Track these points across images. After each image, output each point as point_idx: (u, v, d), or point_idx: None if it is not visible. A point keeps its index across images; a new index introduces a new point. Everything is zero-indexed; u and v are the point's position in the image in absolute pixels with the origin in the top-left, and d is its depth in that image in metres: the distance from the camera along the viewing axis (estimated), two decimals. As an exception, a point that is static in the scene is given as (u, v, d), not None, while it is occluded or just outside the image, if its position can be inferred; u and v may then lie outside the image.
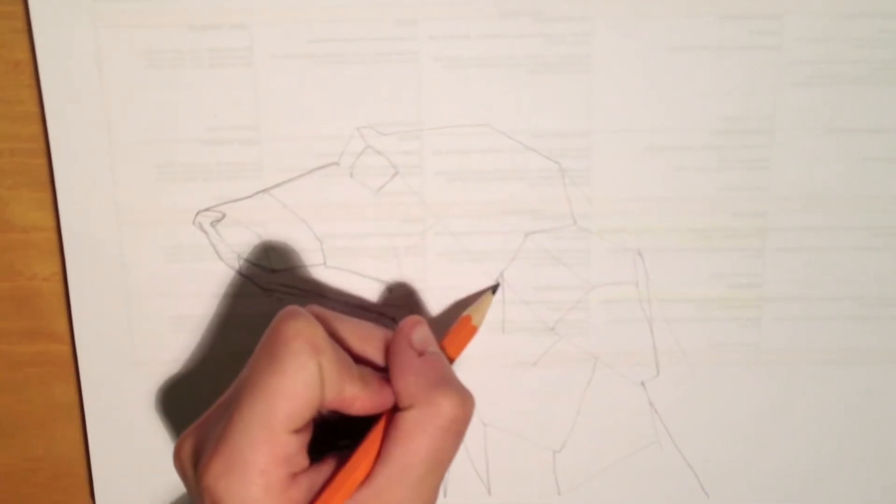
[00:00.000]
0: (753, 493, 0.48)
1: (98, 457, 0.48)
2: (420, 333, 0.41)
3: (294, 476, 0.37)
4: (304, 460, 0.38)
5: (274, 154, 0.45)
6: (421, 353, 0.40)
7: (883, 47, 0.44)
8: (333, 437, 0.41)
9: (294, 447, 0.37)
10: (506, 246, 0.46)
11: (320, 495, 0.38)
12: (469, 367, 0.46)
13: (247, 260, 0.46)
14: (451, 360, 0.43)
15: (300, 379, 0.37)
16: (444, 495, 0.48)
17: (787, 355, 0.47)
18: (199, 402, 0.47)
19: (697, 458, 0.48)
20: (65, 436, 0.49)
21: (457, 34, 0.44)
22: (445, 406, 0.38)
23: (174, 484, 0.48)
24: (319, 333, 0.38)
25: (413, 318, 0.42)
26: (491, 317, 0.46)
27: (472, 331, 0.44)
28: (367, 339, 0.41)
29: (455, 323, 0.44)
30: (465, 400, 0.39)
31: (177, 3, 0.44)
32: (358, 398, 0.39)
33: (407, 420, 0.38)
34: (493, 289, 0.46)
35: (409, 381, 0.39)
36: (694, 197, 0.45)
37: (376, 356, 0.41)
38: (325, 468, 0.39)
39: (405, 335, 0.41)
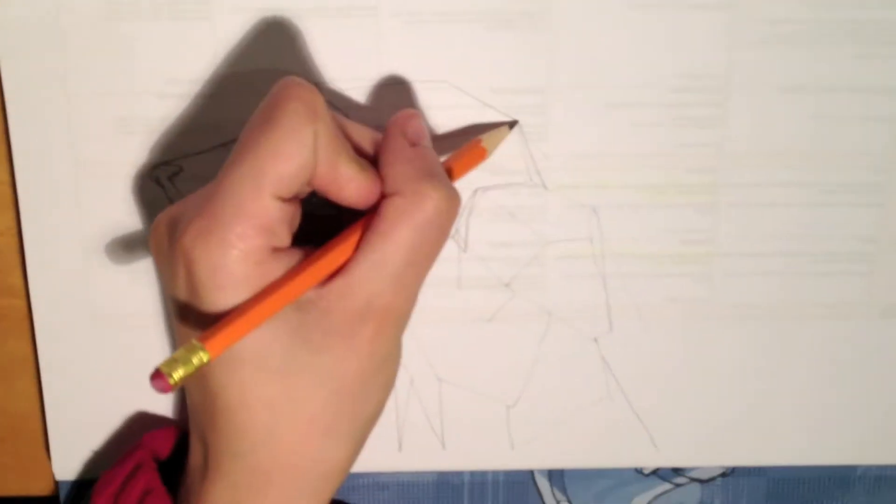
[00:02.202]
0: (702, 446, 0.49)
1: (53, 411, 0.48)
2: (414, 125, 0.40)
3: (274, 250, 0.37)
4: (286, 237, 0.37)
5: (232, 108, 0.45)
6: (413, 145, 0.39)
7: (837, 7, 0.44)
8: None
9: (278, 217, 0.36)
10: (463, 202, 0.46)
11: (290, 272, 0.37)
12: (424, 322, 0.47)
13: (204, 214, 0.46)
14: (453, 180, 0.41)
15: (294, 139, 0.36)
16: (399, 450, 0.49)
17: (738, 310, 0.47)
18: (156, 355, 0.47)
19: (648, 412, 0.49)
20: (20, 390, 0.49)
21: (417, -10, 0.44)
22: (433, 197, 0.37)
23: (130, 438, 0.48)
24: (319, 101, 0.37)
25: (408, 110, 0.41)
26: (446, 273, 0.47)
27: (482, 154, 0.43)
28: (363, 137, 0.40)
29: (465, 145, 0.44)
30: (453, 195, 0.38)
31: (135, -46, 0.43)
32: (353, 180, 0.38)
33: (391, 207, 0.37)
34: (511, 124, 0.45)
35: (397, 168, 0.38)
36: (648, 153, 0.45)
37: (369, 154, 0.40)
38: (307, 252, 0.38)
39: (399, 125, 0.40)
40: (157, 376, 0.34)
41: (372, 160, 0.40)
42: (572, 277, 0.47)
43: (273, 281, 0.37)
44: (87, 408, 0.48)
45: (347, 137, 0.40)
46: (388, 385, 0.40)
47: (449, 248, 0.46)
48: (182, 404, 0.48)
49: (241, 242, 0.36)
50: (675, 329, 0.48)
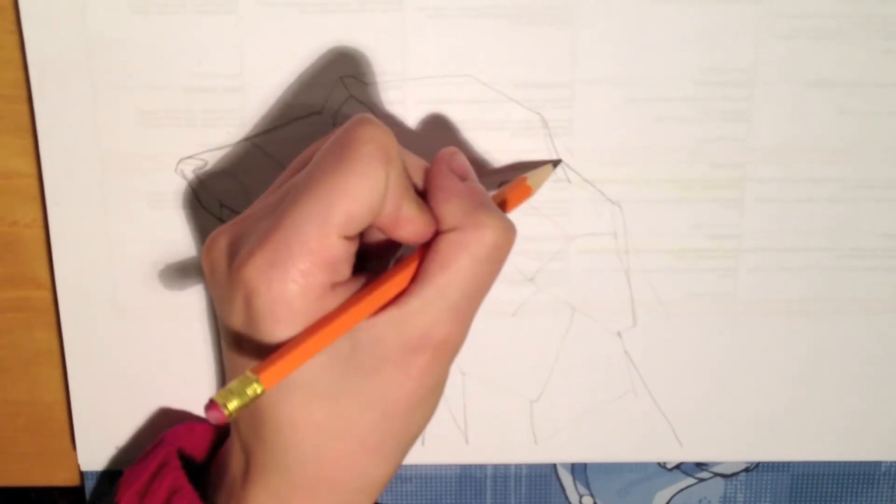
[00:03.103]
0: (726, 441, 0.49)
1: (78, 402, 0.49)
2: (459, 160, 0.40)
3: (333, 286, 0.37)
4: (347, 272, 0.37)
5: (257, 102, 0.45)
6: (462, 179, 0.40)
7: (864, 2, 0.44)
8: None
9: (341, 254, 0.36)
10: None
11: (344, 304, 0.37)
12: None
13: (229, 207, 0.46)
14: None
15: (367, 182, 0.36)
16: (422, 444, 0.49)
17: (763, 305, 0.47)
18: (180, 348, 0.48)
19: (672, 407, 0.49)
20: (46, 381, 0.49)
21: (441, -16, 0.44)
22: (491, 229, 0.38)
23: (155, 429, 0.48)
24: (393, 143, 0.37)
25: (450, 148, 0.41)
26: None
27: (527, 192, 0.43)
28: (414, 168, 0.40)
29: (510, 182, 0.44)
30: (509, 227, 0.38)
31: (161, -52, 0.44)
32: (412, 221, 0.38)
33: (449, 242, 0.38)
34: (555, 163, 0.46)
35: (452, 203, 0.38)
36: (673, 148, 0.45)
37: (419, 185, 0.40)
38: (363, 281, 0.38)
39: (445, 161, 0.40)
40: (213, 407, 0.34)
41: (420, 191, 0.40)
42: (596, 272, 0.47)
43: (327, 314, 0.37)
44: (113, 398, 0.48)
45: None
46: (433, 408, 0.41)
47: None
48: (203, 400, 0.48)
49: (304, 278, 0.36)
50: (700, 324, 0.48)
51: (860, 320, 0.48)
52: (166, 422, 0.48)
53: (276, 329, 0.36)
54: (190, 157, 0.46)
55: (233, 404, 0.34)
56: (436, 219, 0.39)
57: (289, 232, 0.36)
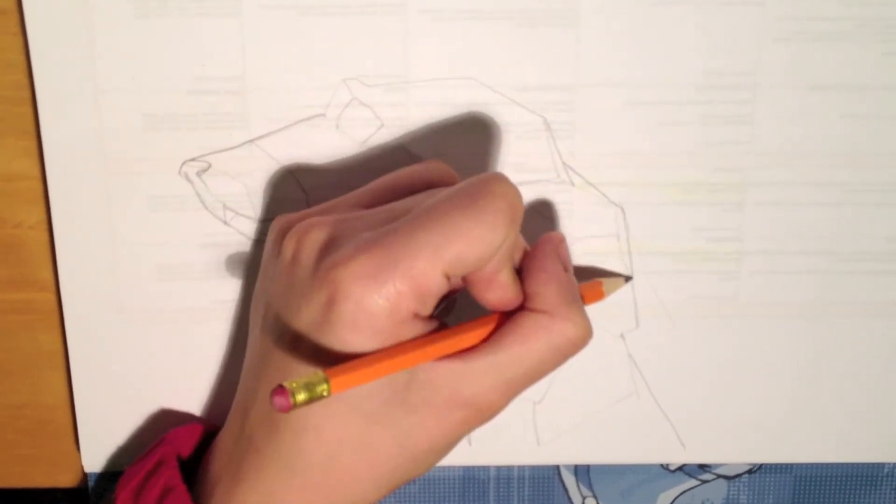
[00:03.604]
0: (729, 443, 0.49)
1: (82, 404, 0.49)
2: (565, 249, 0.41)
3: (414, 317, 0.37)
4: (430, 309, 0.38)
5: (260, 104, 0.45)
6: (565, 269, 0.40)
7: (866, 4, 0.44)
8: None
9: (435, 290, 0.37)
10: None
11: (423, 340, 0.38)
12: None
13: (232, 210, 0.46)
14: None
15: (489, 234, 0.36)
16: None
17: (765, 308, 0.47)
18: (183, 350, 0.48)
19: (675, 408, 0.49)
20: (49, 383, 0.49)
21: (444, -13, 0.44)
22: (576, 327, 0.39)
23: (158, 431, 0.48)
24: (521, 209, 0.38)
25: (559, 234, 0.42)
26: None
27: (599, 296, 0.45)
28: (517, 246, 0.41)
29: (586, 282, 0.45)
30: (590, 330, 0.40)
31: (164, -49, 0.44)
32: (503, 288, 0.39)
33: (535, 322, 0.39)
34: (627, 278, 0.47)
35: (551, 287, 0.39)
36: (676, 151, 0.45)
37: (515, 262, 0.41)
38: (437, 325, 0.39)
39: (553, 246, 0.41)
40: (281, 393, 0.34)
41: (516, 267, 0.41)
42: (599, 274, 0.47)
43: (404, 342, 0.37)
44: (116, 400, 0.48)
45: None
46: (442, 458, 0.41)
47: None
48: (207, 402, 0.49)
49: (397, 299, 0.36)
50: (702, 326, 0.48)
51: (862, 323, 0.48)
52: (169, 424, 0.48)
53: (353, 339, 0.36)
54: (193, 160, 0.46)
55: (300, 396, 0.34)
56: (524, 294, 0.40)
57: (399, 250, 0.36)
